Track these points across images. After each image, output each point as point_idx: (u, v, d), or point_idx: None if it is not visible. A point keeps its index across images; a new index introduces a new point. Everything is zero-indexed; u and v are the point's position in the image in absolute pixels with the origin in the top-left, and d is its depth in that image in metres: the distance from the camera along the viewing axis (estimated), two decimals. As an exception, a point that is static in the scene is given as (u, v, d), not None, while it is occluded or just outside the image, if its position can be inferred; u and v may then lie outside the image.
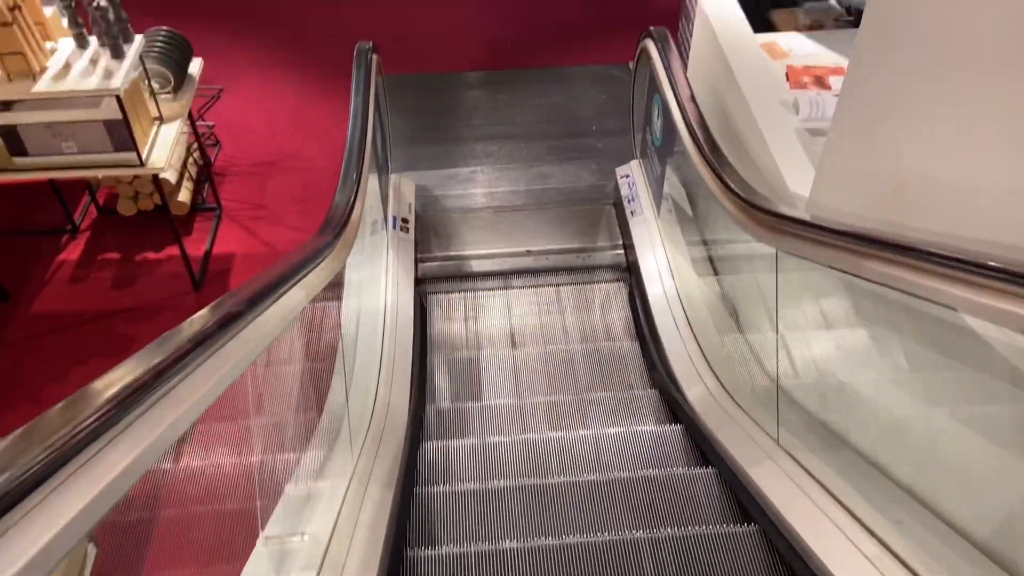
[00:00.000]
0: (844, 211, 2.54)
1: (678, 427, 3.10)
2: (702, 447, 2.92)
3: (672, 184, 3.96)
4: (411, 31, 6.12)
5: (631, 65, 5.36)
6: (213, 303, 1.45)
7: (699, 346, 3.47)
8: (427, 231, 4.45)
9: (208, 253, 4.39)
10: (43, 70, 3.42)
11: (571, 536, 2.36)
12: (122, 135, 3.52)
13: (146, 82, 3.72)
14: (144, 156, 3.63)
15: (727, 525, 2.43)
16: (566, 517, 2.53)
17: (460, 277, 4.31)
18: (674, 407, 3.27)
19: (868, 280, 1.89)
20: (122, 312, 4.12)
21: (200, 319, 1.36)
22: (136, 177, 4.35)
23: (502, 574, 2.26)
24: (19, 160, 3.58)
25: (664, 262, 3.98)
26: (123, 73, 3.42)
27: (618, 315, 4.06)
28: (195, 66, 4.14)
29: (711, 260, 3.70)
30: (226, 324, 1.41)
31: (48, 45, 3.52)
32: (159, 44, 3.88)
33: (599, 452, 2.95)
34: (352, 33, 4.07)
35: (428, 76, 5.71)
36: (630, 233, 4.23)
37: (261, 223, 4.59)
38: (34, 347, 3.94)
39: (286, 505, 2.03)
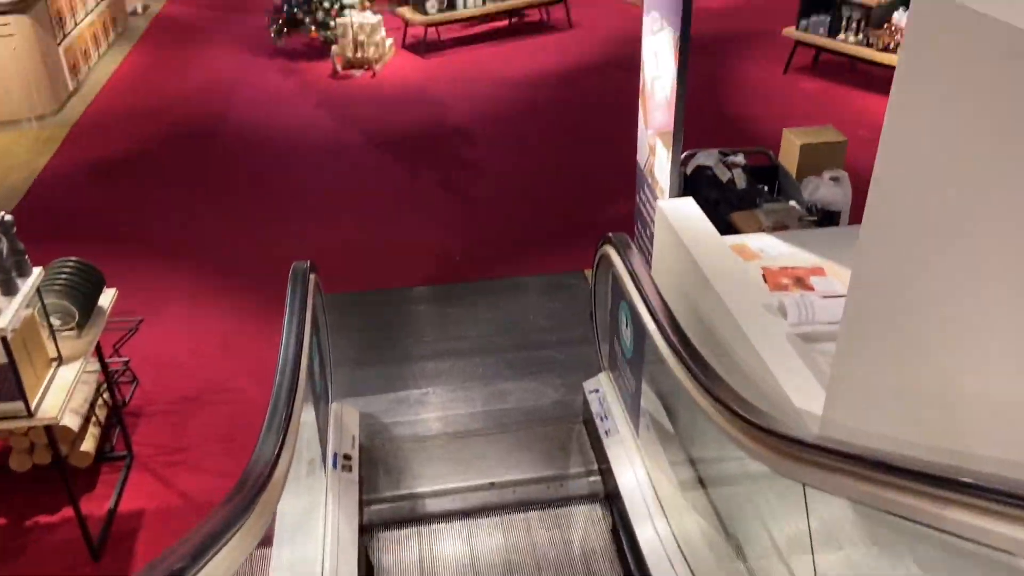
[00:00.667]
0: (870, 432, 2.12)
1: None
2: None
3: (649, 398, 3.53)
4: (355, 247, 5.86)
5: (587, 273, 5.13)
6: None
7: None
8: (374, 467, 3.88)
9: (112, 512, 3.71)
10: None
11: None
12: (7, 382, 2.97)
13: (44, 319, 3.24)
14: (34, 404, 3.07)
15: None
16: None
17: (414, 521, 3.69)
18: None
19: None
20: (0, 594, 3.36)
21: None
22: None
23: None
24: None
25: (650, 491, 3.45)
26: (12, 312, 2.94)
27: (603, 559, 3.46)
28: (107, 298, 3.69)
29: (704, 483, 3.21)
30: None
31: (-72, 283, 3.05)
32: (64, 276, 3.45)
33: None
34: (290, 253, 3.73)
35: (373, 294, 5.37)
36: (606, 456, 3.73)
37: (179, 470, 3.96)
38: None
39: None
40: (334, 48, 8.91)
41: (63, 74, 8.15)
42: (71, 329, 3.44)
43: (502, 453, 3.99)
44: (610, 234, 3.88)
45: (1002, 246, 1.58)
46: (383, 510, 3.71)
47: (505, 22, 10.44)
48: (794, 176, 4.50)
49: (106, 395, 4.04)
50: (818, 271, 3.40)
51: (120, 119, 7.93)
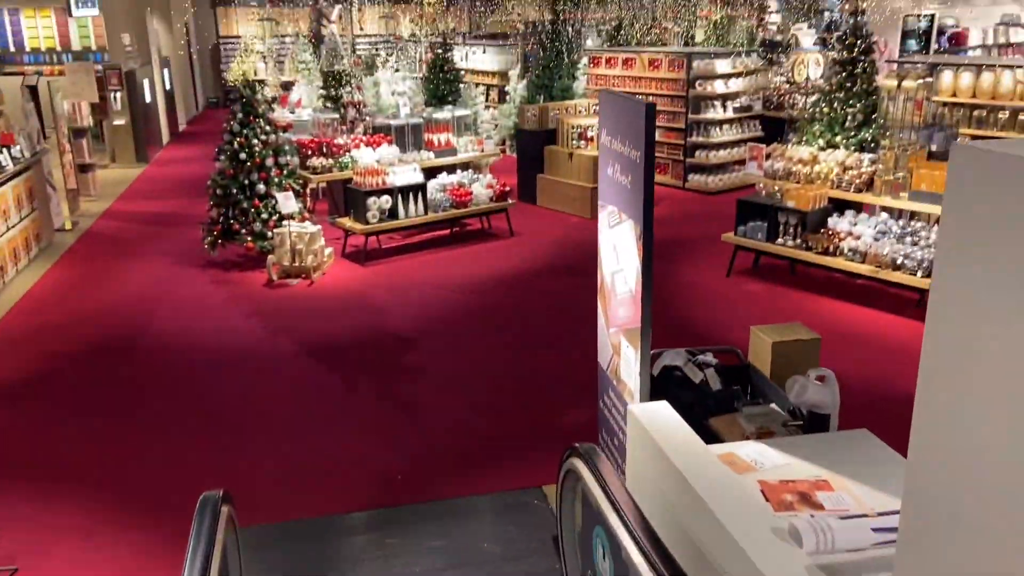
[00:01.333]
0: None
1: None
2: None
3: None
4: (283, 469, 5.17)
5: (547, 489, 4.55)
6: None
7: None
8: None
9: None
10: None
11: None
12: None
13: None
14: None
15: None
16: None
17: None
18: None
19: None
20: None
21: None
22: None
23: None
24: None
25: None
26: None
27: None
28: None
29: None
30: None
31: None
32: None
33: None
34: (207, 478, 3.10)
35: (302, 524, 4.64)
36: None
37: None
38: None
39: None
40: (270, 257, 8.64)
41: (-27, 288, 7.60)
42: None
43: None
44: (577, 445, 3.39)
45: None
46: None
47: (447, 231, 10.45)
48: (768, 376, 4.15)
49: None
50: (823, 485, 2.92)
51: (29, 337, 7.31)
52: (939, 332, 1.51)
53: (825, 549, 2.48)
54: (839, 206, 8.23)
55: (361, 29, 23.66)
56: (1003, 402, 1.37)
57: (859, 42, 8.45)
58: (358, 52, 19.92)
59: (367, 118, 11.04)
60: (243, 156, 8.84)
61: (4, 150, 9.06)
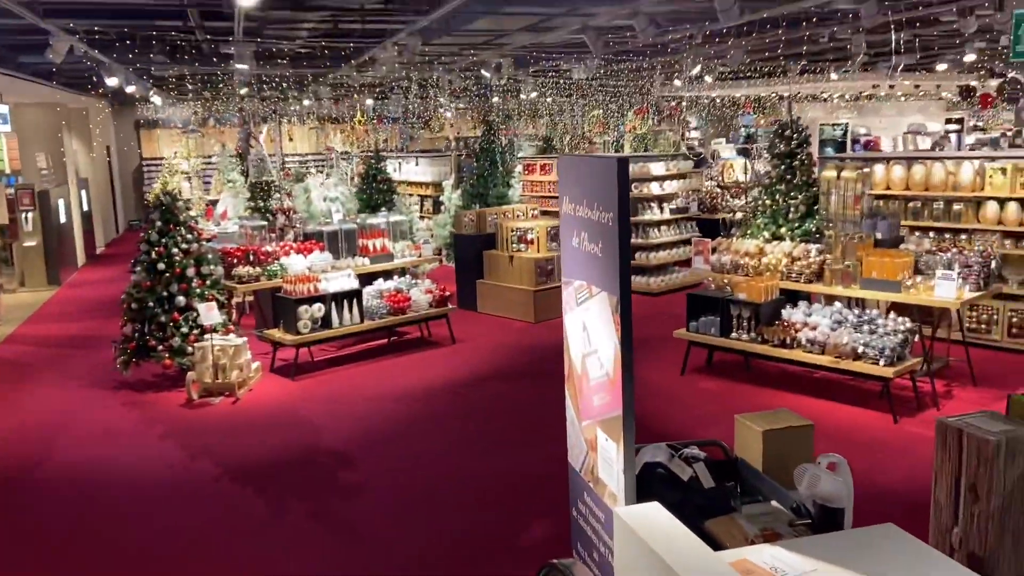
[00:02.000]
0: None
1: None
2: None
3: None
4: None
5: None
6: None
7: None
8: None
9: None
10: None
11: None
12: None
13: None
14: None
15: None
16: None
17: None
18: None
19: None
20: None
21: None
22: None
23: None
24: None
25: None
26: None
27: None
28: None
29: None
30: None
31: None
32: None
33: None
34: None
35: None
36: None
37: None
38: None
39: None
40: (190, 374, 7.87)
41: None
42: None
43: None
44: (556, 562, 2.80)
45: None
46: None
47: (384, 340, 9.85)
48: (760, 469, 3.65)
49: None
50: (864, 590, 2.40)
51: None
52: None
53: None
54: (791, 297, 8.01)
55: (291, 140, 23.56)
56: None
57: (795, 135, 8.49)
58: (288, 166, 19.69)
59: (297, 225, 10.56)
60: (162, 266, 8.18)
61: None
